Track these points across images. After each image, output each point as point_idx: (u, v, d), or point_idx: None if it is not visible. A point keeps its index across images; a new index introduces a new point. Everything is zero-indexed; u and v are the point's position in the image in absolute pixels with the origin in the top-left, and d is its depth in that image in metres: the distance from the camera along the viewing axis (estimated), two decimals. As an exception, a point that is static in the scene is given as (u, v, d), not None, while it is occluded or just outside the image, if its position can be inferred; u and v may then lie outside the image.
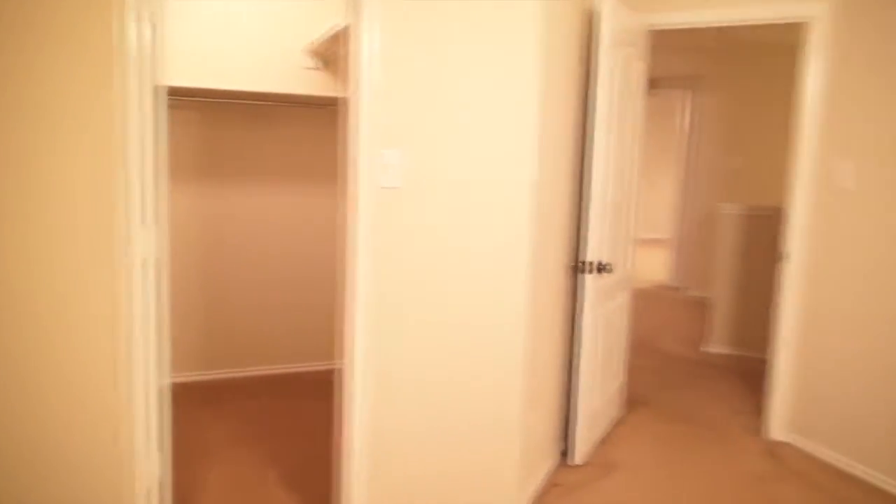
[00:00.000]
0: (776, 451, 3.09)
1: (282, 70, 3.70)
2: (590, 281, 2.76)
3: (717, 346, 4.66)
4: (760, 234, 4.48)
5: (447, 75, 2.14)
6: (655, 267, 7.83)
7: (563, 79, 2.57)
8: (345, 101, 2.16)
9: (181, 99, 3.49)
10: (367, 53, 1.99)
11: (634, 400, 3.68)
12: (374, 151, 2.07)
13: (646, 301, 6.18)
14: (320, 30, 3.46)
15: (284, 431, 3.12)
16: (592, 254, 2.75)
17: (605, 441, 3.14)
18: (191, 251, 3.74)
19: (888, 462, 2.73)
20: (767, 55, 6.17)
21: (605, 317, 3.00)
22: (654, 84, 6.31)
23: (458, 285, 2.24)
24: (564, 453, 2.97)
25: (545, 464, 2.76)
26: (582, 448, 2.89)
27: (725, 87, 6.37)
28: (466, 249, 2.24)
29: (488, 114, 2.20)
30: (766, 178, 6.30)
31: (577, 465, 2.87)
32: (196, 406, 3.39)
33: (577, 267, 2.86)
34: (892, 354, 2.71)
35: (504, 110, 2.22)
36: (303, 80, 3.73)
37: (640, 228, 7.68)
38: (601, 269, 2.80)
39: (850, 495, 2.69)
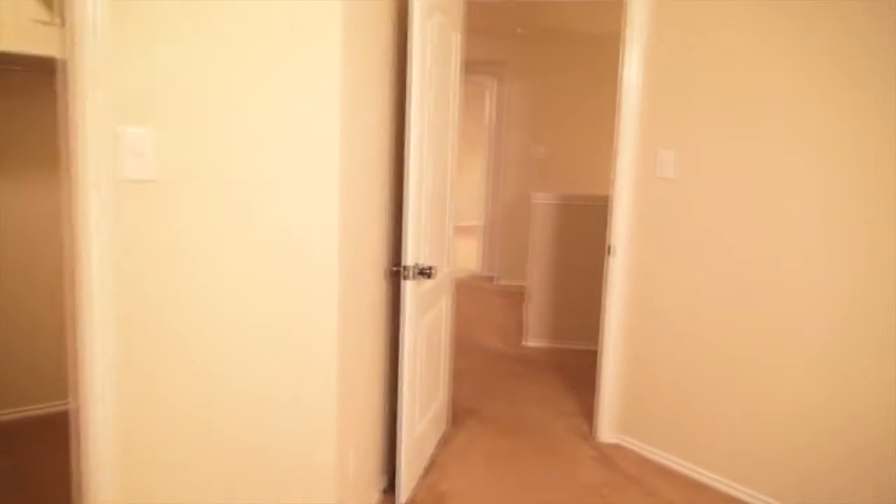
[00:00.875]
0: (611, 456, 2.92)
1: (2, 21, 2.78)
2: (410, 289, 2.34)
3: (535, 340, 4.54)
4: (574, 224, 4.40)
5: (215, 28, 1.56)
6: (467, 255, 7.72)
7: (376, 53, 2.10)
8: (65, 55, 1.50)
9: None
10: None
11: (459, 410, 3.35)
12: (109, 129, 1.44)
13: (460, 292, 5.97)
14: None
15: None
16: (412, 256, 2.33)
17: (432, 467, 2.76)
18: None
19: (726, 464, 2.66)
20: (574, 44, 6.23)
21: (427, 327, 2.60)
22: (464, 67, 6.09)
23: (248, 304, 1.69)
24: (388, 488, 2.53)
25: (366, 511, 2.30)
26: (409, 483, 2.47)
27: (531, 74, 6.34)
28: (256, 260, 1.68)
29: (276, 88, 1.66)
30: (575, 168, 6.39)
31: (403, 505, 2.45)
32: None
33: (397, 272, 2.42)
34: (714, 352, 2.64)
35: (297, 85, 1.69)
36: (32, 37, 2.84)
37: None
38: (422, 273, 2.39)
39: (691, 502, 2.58)
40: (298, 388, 1.80)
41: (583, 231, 4.39)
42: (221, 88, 1.59)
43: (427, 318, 2.59)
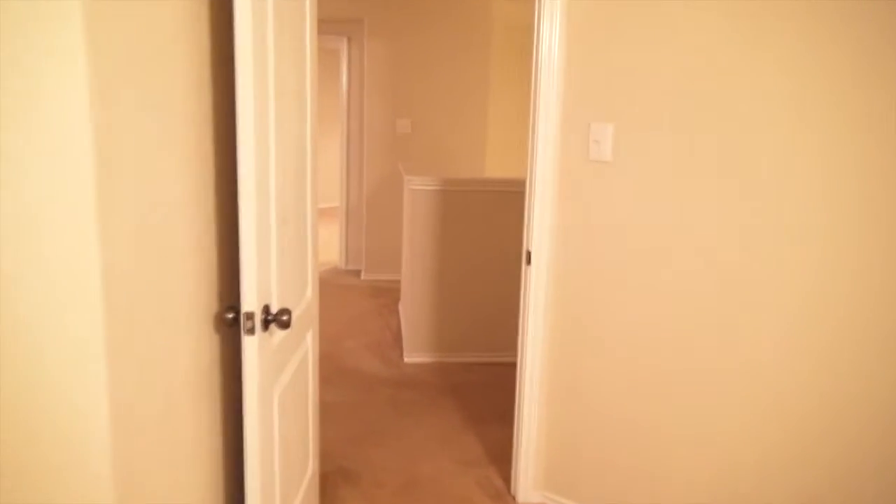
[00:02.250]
0: (533, 527, 2.25)
1: None
2: (256, 346, 1.46)
3: (418, 354, 3.77)
4: (462, 214, 3.66)
5: None
6: (327, 245, 6.77)
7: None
8: None
9: None
10: None
11: (328, 472, 2.52)
12: None
13: (320, 293, 5.06)
14: None
15: None
16: (257, 297, 1.45)
17: (299, 583, 1.92)
18: None
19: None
20: (442, 3, 5.43)
21: (285, 390, 1.73)
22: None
23: None
24: None
25: None
26: None
27: (393, 34, 5.48)
28: None
29: None
30: (446, 145, 5.65)
31: None
32: None
33: (235, 319, 1.52)
34: (665, 386, 2.01)
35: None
36: None
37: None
38: (275, 320, 1.52)
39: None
40: None
41: (473, 223, 3.67)
42: None
43: (284, 376, 1.72)
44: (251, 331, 1.44)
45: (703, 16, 1.80)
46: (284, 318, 1.51)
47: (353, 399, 3.23)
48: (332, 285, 5.39)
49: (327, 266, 6.03)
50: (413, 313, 3.75)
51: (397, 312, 4.64)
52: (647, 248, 2.00)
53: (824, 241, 1.67)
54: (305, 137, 1.89)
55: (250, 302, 1.43)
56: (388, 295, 5.12)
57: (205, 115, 1.40)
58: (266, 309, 1.50)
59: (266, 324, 1.49)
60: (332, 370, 3.56)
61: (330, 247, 6.62)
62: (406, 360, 3.75)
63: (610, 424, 2.17)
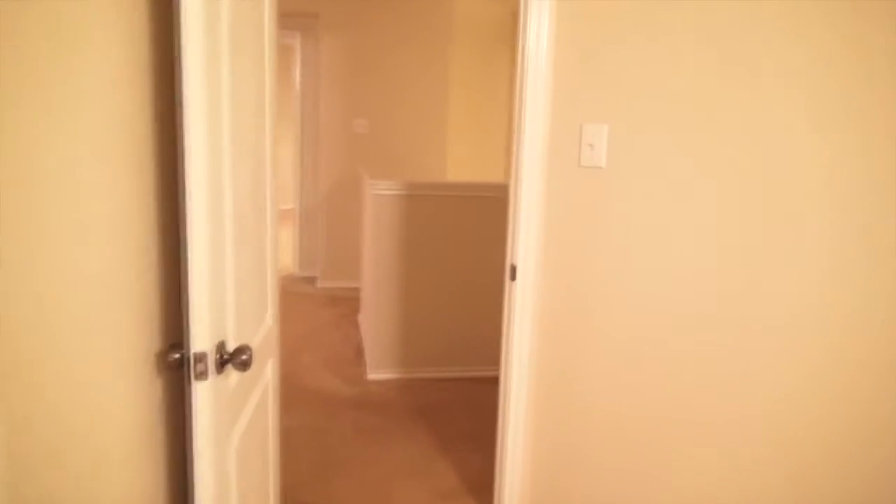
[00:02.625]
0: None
1: None
2: (208, 393, 1.20)
3: (382, 370, 3.53)
4: (428, 220, 3.43)
5: None
6: (279, 249, 6.45)
7: None
8: None
9: None
10: None
11: (294, 513, 2.26)
12: None
13: (275, 303, 4.75)
14: None
15: None
16: (209, 334, 1.19)
17: None
18: None
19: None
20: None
21: (242, 438, 1.47)
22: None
23: None
24: None
25: None
26: None
27: (350, 30, 5.21)
28: None
29: None
30: (407, 146, 5.41)
31: None
32: None
33: (180, 361, 1.25)
34: (668, 420, 1.83)
35: None
36: None
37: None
38: (231, 359, 1.26)
39: None
40: None
41: (440, 229, 3.45)
42: None
43: (242, 420, 1.46)
44: (202, 375, 1.18)
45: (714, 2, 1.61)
46: (243, 357, 1.26)
47: (314, 423, 2.96)
48: (286, 294, 5.09)
49: (281, 273, 5.71)
50: (376, 325, 3.50)
51: (357, 324, 4.38)
52: (645, 266, 1.81)
53: (851, 269, 1.51)
54: (265, 142, 1.64)
55: (201, 340, 1.17)
56: (346, 304, 4.85)
57: (142, 119, 1.14)
58: (221, 347, 1.24)
59: (221, 365, 1.24)
60: (288, 390, 3.28)
61: (284, 252, 6.30)
62: (370, 376, 3.50)
63: (607, 458, 1.97)
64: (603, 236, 1.89)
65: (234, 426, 1.39)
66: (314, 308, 4.76)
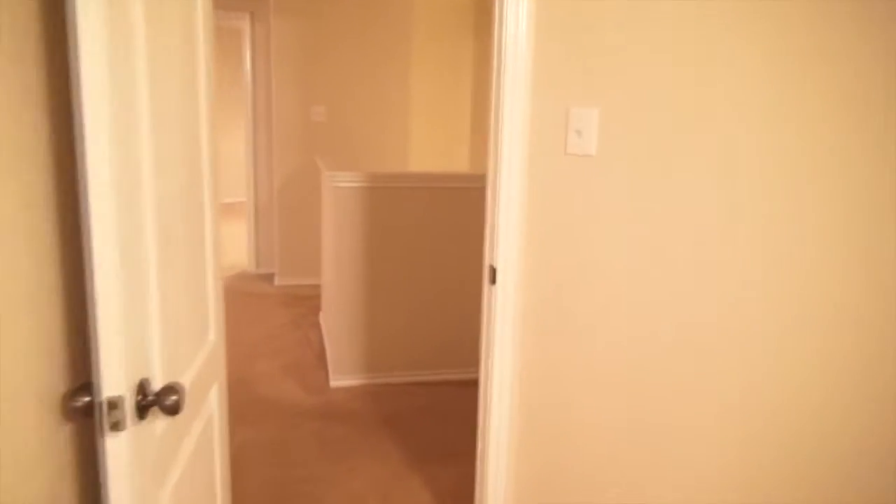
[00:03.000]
0: None
1: None
2: (125, 446, 0.95)
3: (346, 377, 3.28)
4: (394, 213, 3.19)
5: None
6: (233, 245, 6.10)
7: None
8: None
9: None
10: None
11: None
12: None
13: (227, 303, 4.44)
14: None
15: None
16: (126, 372, 0.94)
17: None
18: None
19: None
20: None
21: (177, 488, 1.22)
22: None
23: None
24: None
25: None
26: None
27: (303, 11, 4.89)
28: None
29: None
30: (367, 134, 5.13)
31: None
32: None
33: (90, 407, 0.99)
34: (664, 442, 1.64)
35: None
36: None
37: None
38: (156, 402, 1.01)
39: None
40: None
41: (407, 223, 3.21)
42: None
43: (176, 469, 1.21)
44: (118, 425, 0.93)
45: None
46: (173, 398, 1.01)
47: (272, 437, 2.70)
48: (240, 293, 4.78)
49: (234, 270, 5.39)
50: (339, 328, 3.25)
51: (318, 325, 4.12)
52: (640, 265, 1.60)
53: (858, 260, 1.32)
54: (200, 133, 1.37)
55: (115, 383, 0.92)
56: (306, 303, 4.57)
57: (32, 105, 0.87)
58: (143, 387, 0.99)
59: (143, 409, 0.98)
60: (243, 400, 3.01)
61: (237, 248, 5.96)
62: (333, 383, 3.25)
63: (599, 474, 1.77)
64: (593, 231, 1.68)
65: (165, 479, 1.13)
66: (271, 308, 4.47)
